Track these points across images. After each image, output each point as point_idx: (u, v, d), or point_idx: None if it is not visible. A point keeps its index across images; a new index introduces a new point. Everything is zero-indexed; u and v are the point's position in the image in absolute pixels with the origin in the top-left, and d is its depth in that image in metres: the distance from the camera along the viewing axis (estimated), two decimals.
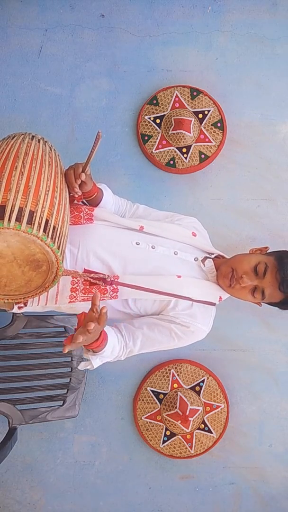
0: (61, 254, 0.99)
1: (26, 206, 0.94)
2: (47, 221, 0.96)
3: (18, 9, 1.99)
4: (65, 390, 1.69)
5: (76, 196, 1.15)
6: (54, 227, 0.97)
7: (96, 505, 1.94)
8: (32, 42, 1.99)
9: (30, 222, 0.93)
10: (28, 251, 0.97)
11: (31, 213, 0.94)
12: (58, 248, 0.98)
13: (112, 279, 1.13)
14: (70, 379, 1.70)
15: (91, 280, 1.13)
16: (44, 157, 1.06)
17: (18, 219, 0.92)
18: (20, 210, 0.93)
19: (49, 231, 0.96)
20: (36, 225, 0.94)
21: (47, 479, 1.94)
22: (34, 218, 0.94)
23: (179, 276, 1.18)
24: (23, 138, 1.09)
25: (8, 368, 1.67)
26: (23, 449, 1.91)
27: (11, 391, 1.66)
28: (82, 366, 1.14)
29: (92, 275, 1.12)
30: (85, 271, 1.14)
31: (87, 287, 1.14)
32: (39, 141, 1.11)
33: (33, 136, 1.12)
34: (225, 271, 1.20)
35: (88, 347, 1.06)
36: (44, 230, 0.95)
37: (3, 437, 1.61)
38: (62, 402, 1.69)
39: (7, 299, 1.07)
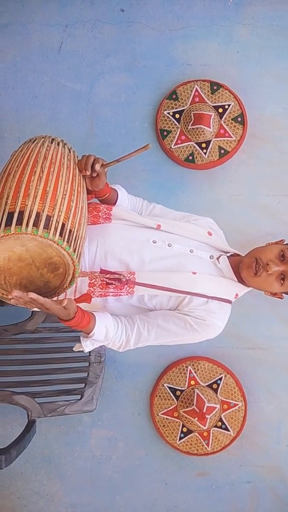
0: (77, 256, 1.01)
1: (43, 211, 0.96)
2: (63, 224, 0.98)
3: (39, 6, 2.00)
4: (83, 385, 1.71)
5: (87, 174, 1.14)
6: (70, 231, 1.00)
7: (112, 499, 1.96)
8: (53, 38, 2.00)
9: (47, 226, 0.95)
10: (46, 254, 1.00)
11: (48, 218, 0.96)
12: (74, 251, 1.00)
13: (127, 278, 1.15)
14: (88, 373, 1.71)
15: (107, 281, 1.15)
16: (62, 160, 1.08)
17: (36, 224, 0.95)
18: (38, 215, 0.96)
19: (65, 234, 0.98)
20: (52, 229, 0.96)
21: (64, 471, 1.96)
22: (50, 222, 0.96)
23: (194, 273, 1.18)
24: (43, 141, 1.12)
25: (28, 361, 1.69)
26: (42, 442, 1.94)
27: (31, 384, 1.69)
28: (76, 347, 1.19)
29: (108, 275, 1.15)
30: (102, 271, 1.17)
31: (105, 283, 1.17)
32: (58, 143, 1.14)
33: (52, 139, 1.15)
34: (248, 261, 1.19)
35: (67, 324, 1.10)
36: (61, 234, 0.97)
37: (22, 429, 1.64)
38: (80, 396, 1.70)
39: None
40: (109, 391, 1.95)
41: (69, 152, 1.15)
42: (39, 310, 1.29)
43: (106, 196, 1.24)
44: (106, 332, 1.16)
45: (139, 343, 1.21)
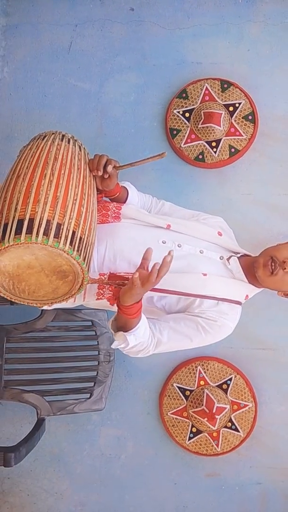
0: (86, 264, 1.01)
1: (53, 219, 0.95)
2: (73, 232, 0.97)
3: (49, 6, 2.01)
4: (92, 383, 1.71)
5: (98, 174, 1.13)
6: (80, 238, 0.99)
7: (121, 498, 1.96)
8: (62, 38, 2.01)
9: (57, 235, 0.94)
10: (55, 263, 0.99)
11: (58, 226, 0.95)
12: (84, 260, 0.99)
13: None
14: (97, 372, 1.71)
15: (116, 286, 1.14)
16: (73, 160, 1.07)
17: (46, 233, 0.93)
18: (48, 223, 0.94)
19: (75, 243, 0.97)
20: (63, 238, 0.95)
21: (73, 470, 1.97)
22: (61, 231, 0.95)
23: (204, 274, 1.17)
24: (53, 139, 1.10)
25: (37, 359, 1.70)
26: (51, 440, 1.94)
27: (40, 382, 1.70)
28: (115, 344, 1.13)
29: (117, 281, 1.13)
30: (111, 274, 1.15)
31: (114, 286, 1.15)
32: (68, 141, 1.12)
33: (63, 136, 1.13)
34: (263, 260, 1.18)
35: (130, 309, 1.05)
36: (71, 243, 0.96)
37: (32, 427, 1.65)
38: (89, 395, 1.71)
39: (36, 304, 1.10)
40: (118, 390, 1.95)
41: (80, 150, 1.13)
42: (48, 308, 1.29)
43: (116, 195, 1.24)
44: (145, 329, 1.13)
45: (157, 348, 1.18)
